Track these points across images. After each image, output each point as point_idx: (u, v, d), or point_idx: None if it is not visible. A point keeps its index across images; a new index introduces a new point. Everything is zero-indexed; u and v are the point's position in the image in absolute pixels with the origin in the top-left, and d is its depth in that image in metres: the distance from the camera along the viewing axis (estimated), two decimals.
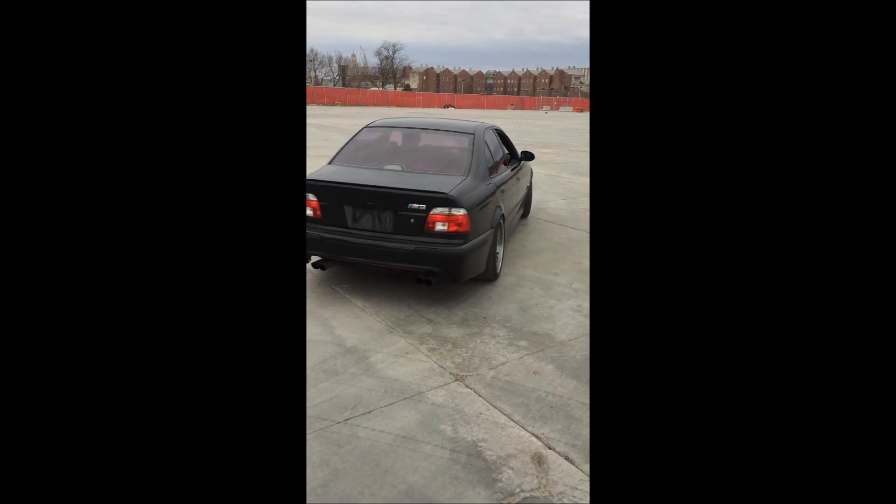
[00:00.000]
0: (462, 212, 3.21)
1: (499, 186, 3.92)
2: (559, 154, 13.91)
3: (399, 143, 4.32)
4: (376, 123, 4.55)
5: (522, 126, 28.06)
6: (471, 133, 4.16)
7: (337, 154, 4.08)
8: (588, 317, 3.45)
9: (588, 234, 5.50)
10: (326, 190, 3.38)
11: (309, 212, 3.43)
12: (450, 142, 4.19)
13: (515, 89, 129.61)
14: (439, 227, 3.22)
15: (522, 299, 3.71)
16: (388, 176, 3.58)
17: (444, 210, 3.20)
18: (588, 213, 6.51)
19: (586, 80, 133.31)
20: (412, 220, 3.23)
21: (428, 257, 3.20)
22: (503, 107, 71.90)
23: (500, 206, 3.83)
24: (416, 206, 3.21)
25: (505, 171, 4.40)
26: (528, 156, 5.26)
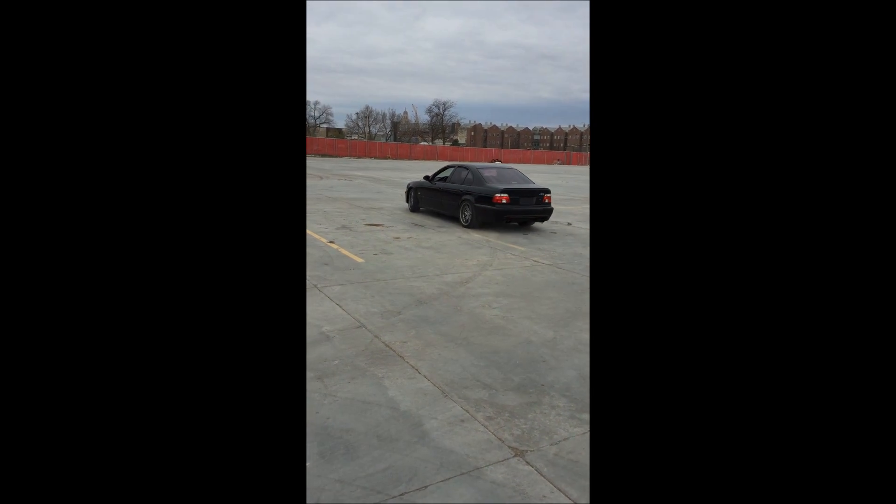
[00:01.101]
0: (550, 194, 9.35)
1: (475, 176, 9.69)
2: None
3: (502, 172, 9.93)
4: (480, 167, 10.02)
5: (570, 181, 28.07)
6: (515, 167, 10.86)
7: (485, 179, 9.37)
8: None
9: None
10: (513, 192, 8.81)
11: (504, 200, 8.68)
12: (510, 172, 10.09)
13: (562, 145, 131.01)
14: (546, 200, 9.20)
15: (581, 366, 3.52)
16: (527, 185, 9.43)
17: (548, 194, 9.27)
18: None
19: None
20: (540, 199, 9.14)
21: (544, 211, 9.27)
22: (549, 161, 72.57)
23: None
24: (542, 194, 9.14)
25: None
26: None
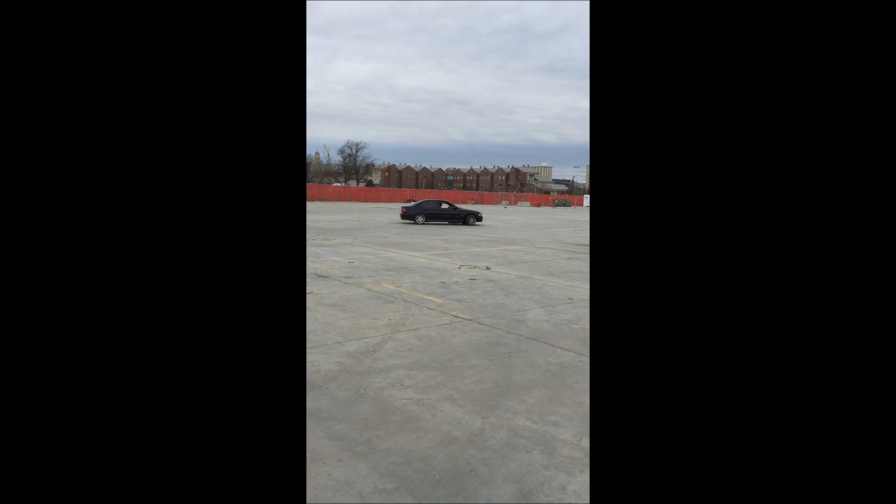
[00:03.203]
0: (403, 210, 23.83)
1: (422, 205, 23.74)
2: (526, 251, 13.47)
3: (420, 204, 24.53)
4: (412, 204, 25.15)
5: (485, 221, 28.18)
6: (420, 202, 24.58)
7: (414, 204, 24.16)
8: None
9: (583, 357, 4.62)
10: (407, 207, 23.63)
11: (403, 211, 23.16)
12: (424, 203, 24.46)
13: (474, 185, 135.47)
14: (403, 211, 23.62)
15: (520, 474, 2.68)
16: (413, 206, 24.18)
17: (405, 207, 23.90)
18: (575, 327, 5.69)
19: (540, 177, 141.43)
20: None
21: (406, 216, 23.43)
22: (463, 202, 74.19)
23: (421, 213, 23.03)
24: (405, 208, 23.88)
25: (447, 209, 23.52)
26: (473, 214, 23.82)
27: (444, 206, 23.24)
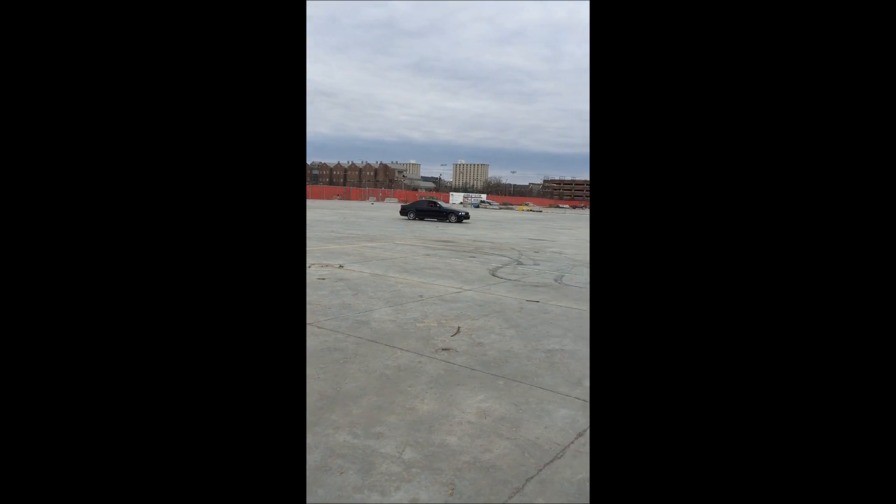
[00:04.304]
0: (398, 207, 35.74)
1: (415, 204, 29.84)
2: (385, 248, 13.25)
3: (415, 203, 31.16)
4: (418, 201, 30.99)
5: (348, 217, 27.46)
6: (416, 202, 31.13)
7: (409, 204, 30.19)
8: None
9: (423, 357, 4.48)
10: (403, 206, 30.84)
11: (399, 208, 31.13)
12: (419, 202, 30.34)
13: (342, 180, 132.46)
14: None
15: (326, 499, 2.38)
16: (410, 205, 31.04)
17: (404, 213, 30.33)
18: (420, 325, 5.57)
19: (408, 173, 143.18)
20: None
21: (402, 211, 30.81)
22: (329, 197, 71.99)
23: (413, 210, 29.29)
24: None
25: (434, 207, 28.71)
26: (462, 214, 28.27)
27: (436, 206, 28.66)
